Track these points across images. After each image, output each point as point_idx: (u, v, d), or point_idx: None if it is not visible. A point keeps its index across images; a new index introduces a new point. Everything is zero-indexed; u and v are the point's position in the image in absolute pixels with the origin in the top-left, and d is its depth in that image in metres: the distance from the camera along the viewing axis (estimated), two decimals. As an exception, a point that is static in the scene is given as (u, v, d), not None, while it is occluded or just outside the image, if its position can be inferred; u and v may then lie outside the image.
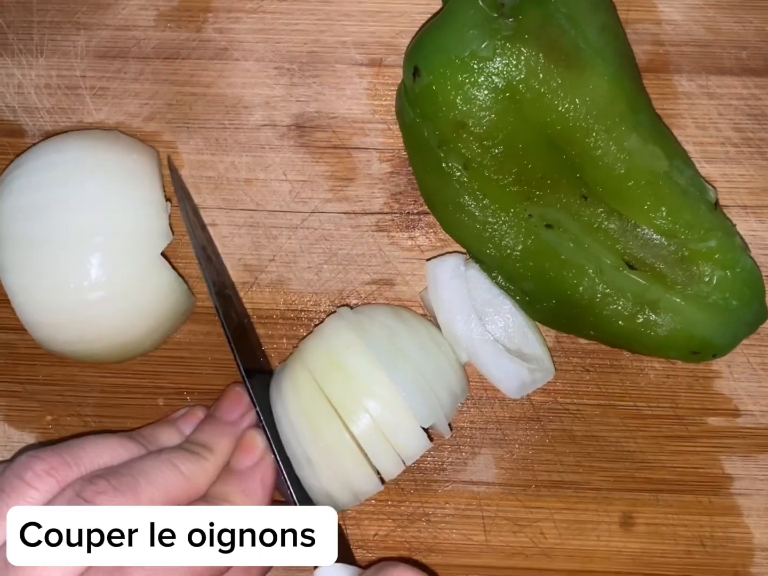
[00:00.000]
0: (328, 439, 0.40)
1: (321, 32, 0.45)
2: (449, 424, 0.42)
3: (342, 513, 0.46)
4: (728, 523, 0.45)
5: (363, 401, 0.39)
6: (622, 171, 0.39)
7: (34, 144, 0.44)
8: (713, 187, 0.42)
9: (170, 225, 0.43)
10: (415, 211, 0.46)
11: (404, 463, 0.40)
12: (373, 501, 0.45)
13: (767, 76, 0.44)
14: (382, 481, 0.41)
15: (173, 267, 0.43)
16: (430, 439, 0.41)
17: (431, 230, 0.46)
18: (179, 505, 0.36)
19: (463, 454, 0.46)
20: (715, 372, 0.45)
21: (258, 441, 0.40)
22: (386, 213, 0.46)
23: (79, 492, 0.34)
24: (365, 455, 0.40)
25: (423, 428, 0.40)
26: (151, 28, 0.46)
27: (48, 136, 0.45)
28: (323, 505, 0.41)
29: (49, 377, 0.47)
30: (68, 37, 0.46)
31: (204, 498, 0.38)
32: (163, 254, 0.42)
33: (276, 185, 0.46)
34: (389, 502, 0.46)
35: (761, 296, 0.41)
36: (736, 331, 0.41)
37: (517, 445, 0.46)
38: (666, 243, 0.40)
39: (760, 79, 0.45)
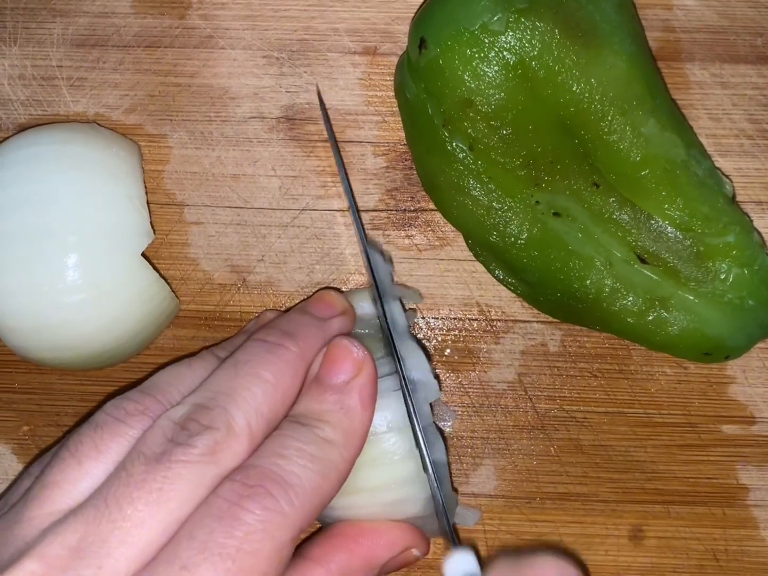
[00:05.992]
0: None
1: (312, 19, 0.43)
2: None
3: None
4: (743, 536, 0.43)
5: None
6: (638, 158, 0.37)
7: (7, 138, 0.41)
8: (730, 180, 0.39)
9: (151, 223, 0.40)
10: (412, 208, 0.43)
11: None
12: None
13: (784, 64, 0.42)
14: None
15: (155, 268, 0.41)
16: None
17: (429, 228, 0.43)
18: (274, 421, 0.33)
19: (464, 465, 0.43)
20: (730, 377, 0.43)
21: (353, 349, 0.36)
22: (381, 210, 0.43)
23: (171, 437, 0.31)
24: None
25: None
26: (132, 14, 0.43)
27: (22, 129, 0.43)
28: None
29: (25, 385, 0.44)
30: (43, 24, 0.43)
31: (297, 418, 0.34)
32: (144, 254, 0.40)
33: (265, 181, 0.43)
34: (386, 516, 0.43)
35: (779, 297, 0.39)
36: (751, 332, 0.39)
37: (520, 456, 0.43)
38: (681, 237, 0.38)
39: (776, 67, 0.42)
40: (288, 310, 0.42)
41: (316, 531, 0.39)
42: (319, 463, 0.32)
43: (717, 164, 0.42)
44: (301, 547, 0.35)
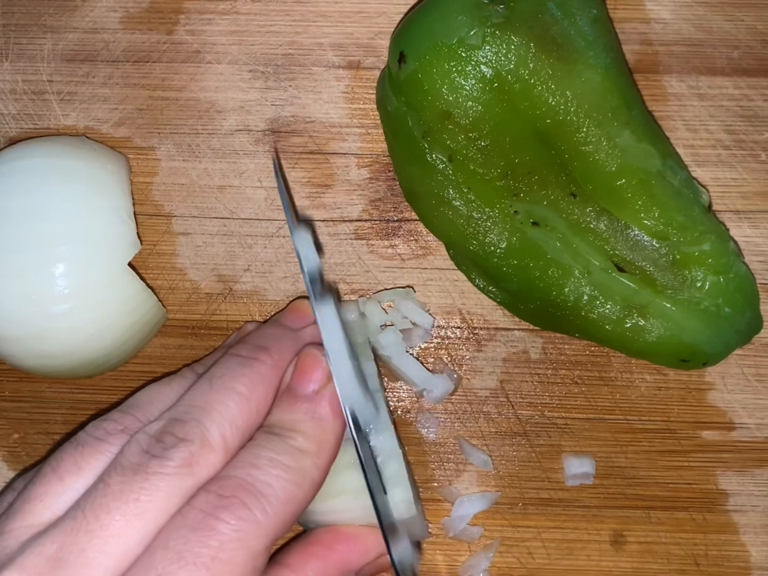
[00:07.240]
0: None
1: (297, 34, 0.44)
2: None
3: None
4: (723, 541, 0.44)
5: None
6: (614, 168, 0.38)
7: (-2, 151, 0.42)
8: (706, 189, 0.40)
9: (139, 234, 0.41)
10: (396, 218, 0.44)
11: None
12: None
13: (760, 76, 0.43)
14: None
15: (143, 278, 0.42)
16: None
17: (412, 238, 0.44)
18: (249, 431, 0.34)
19: (447, 471, 0.44)
20: (709, 384, 0.43)
21: (323, 358, 0.36)
22: (365, 220, 0.44)
23: (147, 449, 0.32)
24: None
25: None
26: (120, 30, 0.44)
27: (13, 142, 0.44)
28: None
29: (15, 393, 0.45)
30: (34, 40, 0.44)
31: (271, 428, 0.35)
32: (132, 265, 0.40)
33: (251, 192, 0.44)
34: (370, 522, 0.44)
35: (755, 304, 0.39)
36: (728, 339, 0.40)
37: (503, 462, 0.44)
38: (657, 245, 0.38)
39: (752, 79, 0.43)
40: (267, 321, 0.43)
41: (295, 536, 0.39)
42: (293, 472, 0.33)
43: (694, 174, 0.43)
44: (279, 553, 0.36)
